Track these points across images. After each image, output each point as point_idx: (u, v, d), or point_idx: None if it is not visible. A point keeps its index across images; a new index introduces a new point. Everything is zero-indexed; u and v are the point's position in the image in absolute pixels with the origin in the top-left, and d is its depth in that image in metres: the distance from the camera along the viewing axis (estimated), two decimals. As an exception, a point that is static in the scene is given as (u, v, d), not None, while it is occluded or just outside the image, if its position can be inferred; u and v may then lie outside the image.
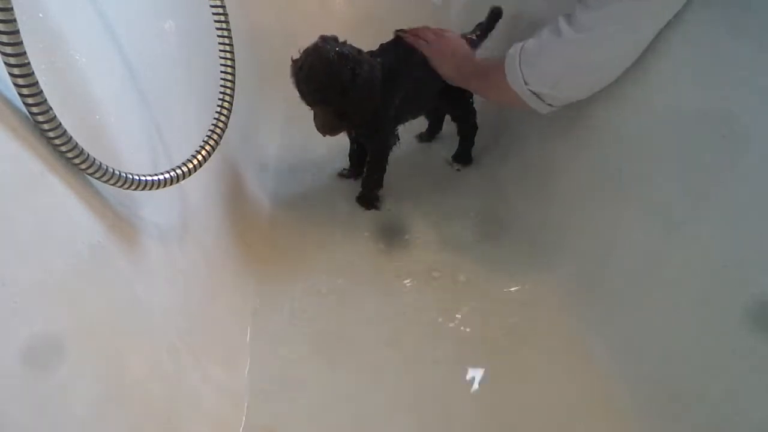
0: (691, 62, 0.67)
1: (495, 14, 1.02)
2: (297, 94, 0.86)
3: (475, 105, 1.06)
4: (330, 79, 0.80)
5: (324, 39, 0.84)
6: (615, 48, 0.72)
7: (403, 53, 0.93)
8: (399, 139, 0.99)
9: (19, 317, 0.37)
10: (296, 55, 0.85)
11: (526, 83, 0.79)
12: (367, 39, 0.92)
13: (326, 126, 0.86)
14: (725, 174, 0.59)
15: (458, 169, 1.10)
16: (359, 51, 0.85)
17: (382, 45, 0.95)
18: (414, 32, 0.96)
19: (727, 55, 0.62)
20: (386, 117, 0.93)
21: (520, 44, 0.80)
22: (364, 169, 1.03)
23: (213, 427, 0.60)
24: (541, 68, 0.78)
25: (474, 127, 1.08)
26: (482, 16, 1.03)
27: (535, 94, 0.79)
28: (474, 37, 1.01)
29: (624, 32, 0.70)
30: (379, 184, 1.00)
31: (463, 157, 1.11)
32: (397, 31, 0.97)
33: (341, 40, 0.85)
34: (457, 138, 1.11)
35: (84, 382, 0.41)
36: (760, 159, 0.56)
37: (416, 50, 0.94)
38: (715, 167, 0.61)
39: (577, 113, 0.89)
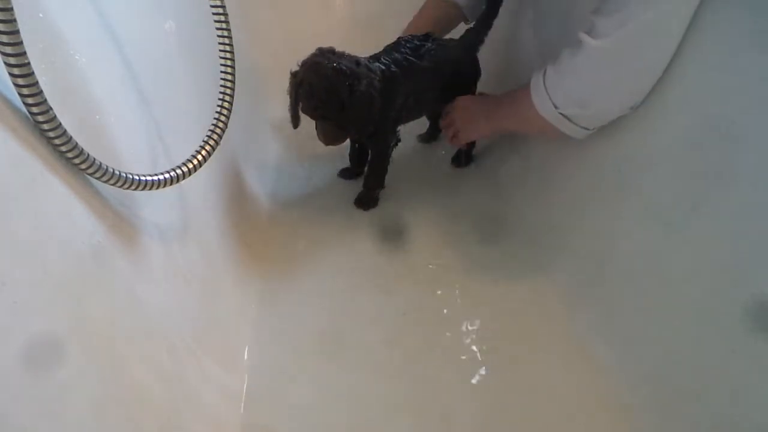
0: (691, 64, 0.67)
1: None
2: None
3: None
4: (328, 96, 0.81)
5: (321, 52, 0.84)
6: (642, 49, 0.67)
7: (404, 55, 0.93)
8: (400, 140, 1.00)
9: (19, 317, 0.37)
10: (295, 65, 0.85)
11: (555, 107, 0.75)
12: (367, 39, 0.92)
13: (329, 137, 0.88)
14: (725, 174, 0.59)
15: (458, 166, 1.11)
16: (357, 62, 0.85)
17: (386, 47, 0.95)
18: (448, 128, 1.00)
19: (726, 57, 0.62)
20: (388, 119, 0.94)
21: (544, 68, 0.77)
22: (365, 169, 1.04)
23: (213, 427, 0.60)
24: (568, 85, 0.74)
25: None
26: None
27: (566, 117, 0.75)
28: (475, 38, 1.01)
29: (649, 30, 0.65)
30: (381, 184, 1.00)
31: (464, 157, 1.11)
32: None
33: (339, 50, 0.86)
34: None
35: (84, 382, 0.41)
36: (759, 160, 0.56)
37: (418, 52, 0.94)
38: (715, 168, 0.61)
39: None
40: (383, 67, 0.89)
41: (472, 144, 1.10)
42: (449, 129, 1.01)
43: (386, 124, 0.94)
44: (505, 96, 0.90)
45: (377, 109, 0.86)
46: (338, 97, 0.81)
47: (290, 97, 0.87)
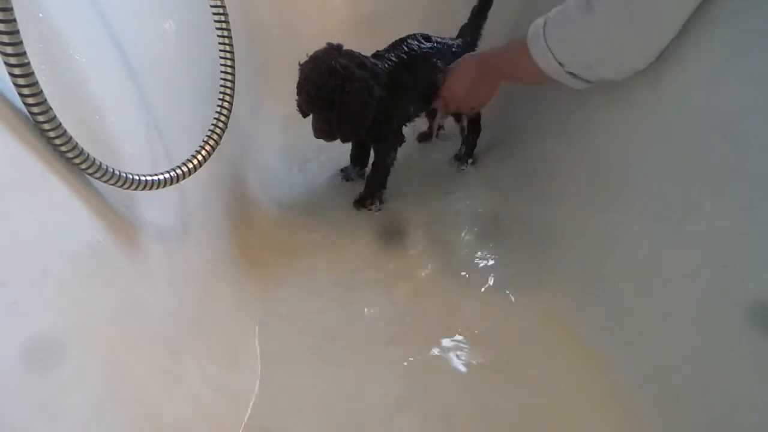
0: (692, 63, 0.67)
1: None
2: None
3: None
4: (317, 92, 0.82)
5: (327, 48, 0.85)
6: (659, 3, 0.62)
7: (408, 54, 0.93)
8: (405, 140, 1.00)
9: (19, 317, 0.37)
10: (297, 61, 0.85)
11: (561, 65, 0.71)
12: (367, 39, 0.92)
13: (318, 131, 0.88)
14: (725, 174, 0.59)
15: (463, 168, 1.11)
16: (362, 63, 0.85)
17: (390, 45, 0.96)
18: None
19: (728, 56, 0.62)
20: (393, 118, 0.94)
21: (542, 19, 0.73)
22: (365, 169, 1.04)
23: (212, 427, 0.60)
24: (577, 46, 0.69)
25: (478, 130, 1.09)
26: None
27: (572, 74, 0.72)
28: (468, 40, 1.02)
29: None
30: (383, 184, 1.00)
31: (466, 157, 1.11)
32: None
33: (345, 48, 0.86)
34: (458, 138, 1.11)
35: (84, 382, 0.41)
36: (760, 159, 0.56)
37: (422, 50, 0.94)
38: (716, 167, 0.61)
39: (577, 114, 0.89)
40: (389, 65, 0.89)
41: (474, 146, 1.10)
42: (443, 101, 0.97)
43: (391, 124, 0.95)
44: (498, 49, 0.88)
45: (369, 116, 0.86)
46: (328, 95, 0.82)
47: (297, 88, 0.87)
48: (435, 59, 0.95)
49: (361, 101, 0.83)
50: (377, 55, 0.92)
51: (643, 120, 0.73)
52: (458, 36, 1.05)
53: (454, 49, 1.00)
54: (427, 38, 0.97)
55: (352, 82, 0.82)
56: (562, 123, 0.95)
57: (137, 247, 0.56)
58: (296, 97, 0.88)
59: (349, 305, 0.81)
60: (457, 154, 1.12)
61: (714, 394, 0.56)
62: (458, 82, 0.93)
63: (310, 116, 0.89)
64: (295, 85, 0.87)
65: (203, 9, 0.69)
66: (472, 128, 1.08)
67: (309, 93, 0.83)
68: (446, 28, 1.06)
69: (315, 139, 0.89)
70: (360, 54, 0.87)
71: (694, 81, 0.66)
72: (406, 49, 0.93)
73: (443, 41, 0.99)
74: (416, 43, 0.95)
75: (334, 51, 0.84)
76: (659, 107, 0.71)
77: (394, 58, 0.91)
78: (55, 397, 0.38)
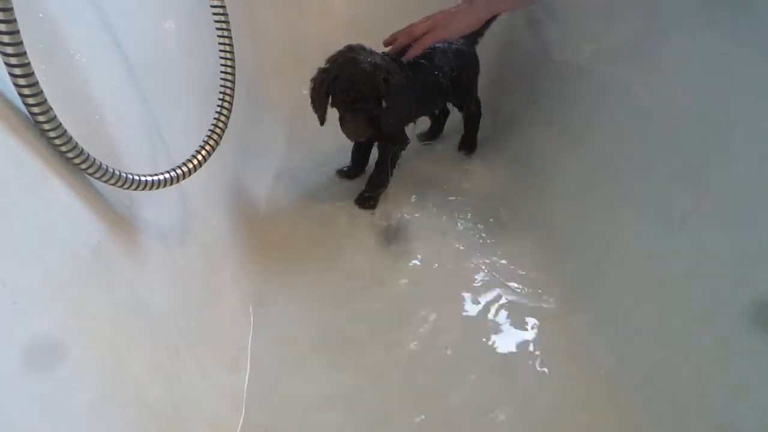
0: (692, 62, 0.67)
1: None
2: (299, 94, 0.87)
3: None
4: (367, 89, 0.84)
5: (352, 48, 0.87)
6: None
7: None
8: (409, 140, 1.00)
9: (19, 317, 0.37)
10: (302, 58, 0.86)
11: None
12: (367, 39, 0.92)
13: (357, 132, 0.89)
14: (725, 174, 0.59)
15: (466, 153, 1.13)
16: (383, 57, 0.87)
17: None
18: (407, 38, 0.94)
19: (727, 56, 0.62)
20: (401, 118, 0.95)
21: None
22: (365, 168, 1.04)
23: (212, 426, 0.60)
24: None
25: (479, 113, 1.10)
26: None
27: None
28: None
29: None
30: (385, 183, 1.00)
31: (469, 143, 1.12)
32: (387, 47, 0.96)
33: (367, 47, 0.88)
34: (458, 138, 1.12)
35: (84, 382, 0.41)
36: (760, 159, 0.56)
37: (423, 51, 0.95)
38: (716, 167, 0.61)
39: (577, 113, 0.89)
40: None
41: (477, 129, 1.10)
42: (415, 36, 0.94)
43: (401, 124, 0.96)
44: None
45: (404, 105, 0.89)
46: (377, 90, 0.84)
47: (316, 94, 0.88)
48: (437, 58, 0.96)
49: (401, 89, 0.86)
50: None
51: (644, 120, 0.73)
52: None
53: (455, 47, 1.00)
54: None
55: (393, 74, 0.85)
56: (562, 123, 0.95)
57: (137, 247, 0.56)
58: (314, 105, 0.89)
59: (349, 305, 0.81)
60: (461, 142, 1.13)
61: (714, 394, 0.56)
62: (446, 12, 0.94)
63: (311, 118, 0.89)
64: (294, 84, 0.87)
65: (203, 9, 0.69)
66: (469, 110, 1.10)
67: (359, 91, 0.84)
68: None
69: (315, 138, 0.89)
70: (372, 50, 0.88)
71: (695, 80, 0.66)
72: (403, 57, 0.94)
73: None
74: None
75: (361, 50, 0.86)
76: (660, 107, 0.71)
77: (399, 58, 0.92)
78: (55, 397, 0.38)
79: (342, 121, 0.89)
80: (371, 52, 0.87)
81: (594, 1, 0.94)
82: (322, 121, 0.91)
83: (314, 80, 0.88)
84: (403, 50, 0.93)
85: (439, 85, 0.97)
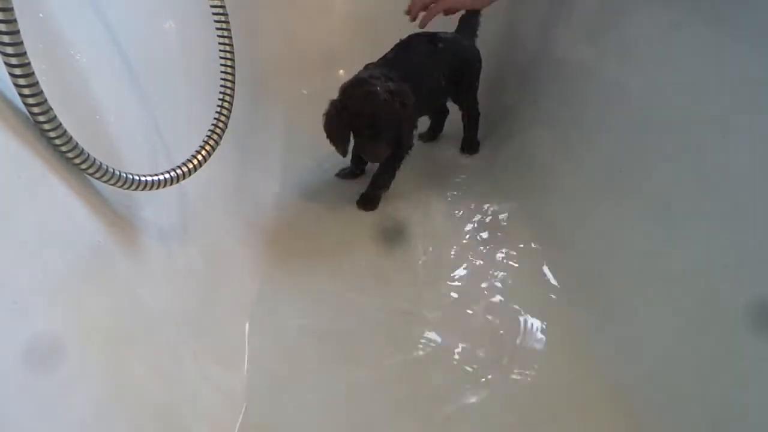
0: (692, 62, 0.67)
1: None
2: (299, 94, 0.87)
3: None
4: (389, 119, 0.86)
5: (365, 80, 0.87)
6: None
7: (416, 55, 0.95)
8: (414, 143, 1.00)
9: (19, 317, 0.37)
10: (302, 58, 0.86)
11: None
12: (367, 39, 0.92)
13: (380, 155, 0.92)
14: (725, 174, 0.59)
15: (469, 155, 1.13)
16: (391, 78, 0.88)
17: (395, 46, 0.98)
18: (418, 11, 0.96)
19: (727, 56, 0.62)
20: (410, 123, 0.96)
21: None
22: (365, 168, 1.04)
23: (212, 426, 0.60)
24: None
25: (477, 114, 1.11)
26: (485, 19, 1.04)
27: None
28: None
29: None
30: (388, 184, 1.00)
31: (471, 144, 1.13)
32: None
33: (363, 72, 0.90)
34: (459, 138, 1.12)
35: (84, 382, 0.41)
36: (760, 159, 0.56)
37: (428, 50, 0.95)
38: (716, 167, 0.61)
39: (577, 113, 0.89)
40: (398, 72, 0.91)
41: (476, 129, 1.10)
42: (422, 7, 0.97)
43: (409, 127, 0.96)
44: None
45: (417, 119, 0.94)
46: (396, 116, 0.87)
47: (335, 128, 0.90)
48: (443, 56, 0.97)
49: (413, 107, 0.89)
50: (386, 59, 0.94)
51: (644, 120, 0.73)
52: (458, 27, 1.06)
53: (457, 45, 1.01)
54: (431, 39, 0.98)
55: (406, 96, 0.87)
56: (562, 124, 0.95)
57: (137, 247, 0.56)
58: (332, 139, 0.91)
59: (349, 305, 0.81)
60: (462, 145, 1.13)
61: (714, 394, 0.56)
62: None
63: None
64: (294, 84, 0.87)
65: (203, 9, 0.69)
66: (468, 111, 1.11)
67: (384, 124, 0.86)
68: (446, 23, 1.07)
69: (315, 138, 0.90)
70: (375, 69, 0.90)
71: (695, 80, 0.66)
72: (414, 49, 0.95)
73: (446, 37, 1.00)
74: (422, 41, 0.96)
75: (371, 80, 0.87)
76: (660, 107, 0.71)
77: (402, 60, 0.94)
78: (55, 397, 0.38)
79: (362, 148, 0.92)
80: (380, 78, 0.88)
81: (594, 0, 0.94)
82: (344, 154, 0.93)
83: (329, 115, 0.89)
84: (404, 52, 0.94)
85: (444, 82, 0.98)
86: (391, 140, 0.90)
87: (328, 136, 0.91)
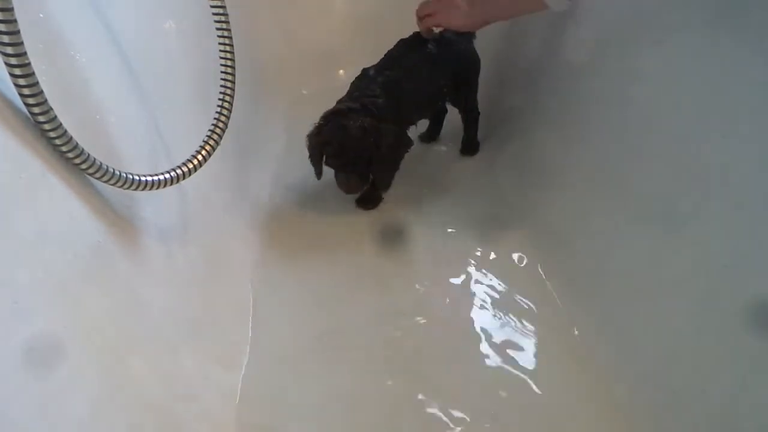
0: (692, 62, 0.67)
1: None
2: (298, 95, 0.87)
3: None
4: (356, 154, 0.87)
5: (342, 112, 0.88)
6: None
7: (407, 60, 0.95)
8: (413, 143, 1.00)
9: (19, 317, 0.37)
10: (302, 58, 0.86)
11: None
12: (368, 39, 0.92)
13: (351, 188, 0.93)
14: (725, 174, 0.59)
15: (469, 156, 1.13)
16: (372, 114, 0.88)
17: (388, 53, 0.98)
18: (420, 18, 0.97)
19: (726, 55, 0.62)
20: (402, 123, 0.96)
21: None
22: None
23: (212, 426, 0.60)
24: None
25: (477, 114, 1.10)
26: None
27: None
28: None
29: None
30: (388, 185, 1.00)
31: (472, 145, 1.12)
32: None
33: (354, 106, 0.89)
34: (458, 138, 1.12)
35: (84, 382, 0.41)
36: (760, 158, 0.56)
37: (420, 53, 0.95)
38: (716, 167, 0.61)
39: (577, 113, 0.89)
40: (389, 81, 0.92)
41: (476, 130, 1.11)
42: (426, 10, 0.97)
43: (402, 128, 0.96)
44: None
45: (399, 161, 0.94)
46: (367, 154, 0.87)
47: (311, 151, 0.91)
48: (440, 58, 0.97)
49: (395, 148, 0.90)
50: (378, 66, 0.94)
51: (643, 120, 0.73)
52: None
53: (456, 46, 1.01)
54: (435, 39, 0.99)
55: (386, 135, 0.87)
56: (562, 123, 0.95)
57: (137, 247, 0.56)
58: (311, 160, 0.92)
59: (349, 305, 0.81)
60: (462, 147, 1.13)
61: (714, 394, 0.56)
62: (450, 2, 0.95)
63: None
64: (294, 84, 0.87)
65: (203, 9, 0.69)
66: (467, 112, 1.10)
67: (349, 156, 0.87)
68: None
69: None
70: (364, 101, 0.89)
71: (694, 80, 0.66)
72: (409, 54, 0.95)
73: (448, 38, 1.00)
74: (418, 44, 0.96)
75: (349, 113, 0.88)
76: (659, 107, 0.71)
77: (395, 67, 0.94)
78: (54, 396, 0.38)
79: (336, 177, 0.93)
80: (362, 111, 0.88)
81: (594, 0, 0.94)
82: (318, 176, 0.94)
83: (309, 137, 0.91)
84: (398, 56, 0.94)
85: (441, 84, 0.98)
86: (363, 176, 0.91)
87: (308, 156, 0.93)
